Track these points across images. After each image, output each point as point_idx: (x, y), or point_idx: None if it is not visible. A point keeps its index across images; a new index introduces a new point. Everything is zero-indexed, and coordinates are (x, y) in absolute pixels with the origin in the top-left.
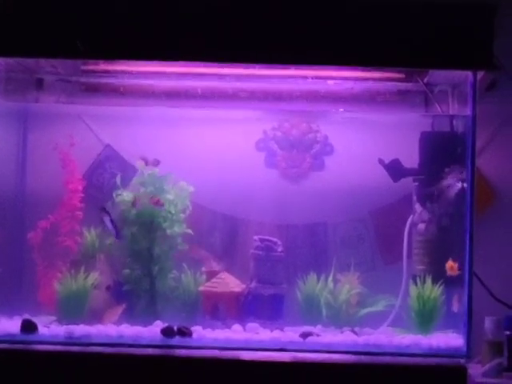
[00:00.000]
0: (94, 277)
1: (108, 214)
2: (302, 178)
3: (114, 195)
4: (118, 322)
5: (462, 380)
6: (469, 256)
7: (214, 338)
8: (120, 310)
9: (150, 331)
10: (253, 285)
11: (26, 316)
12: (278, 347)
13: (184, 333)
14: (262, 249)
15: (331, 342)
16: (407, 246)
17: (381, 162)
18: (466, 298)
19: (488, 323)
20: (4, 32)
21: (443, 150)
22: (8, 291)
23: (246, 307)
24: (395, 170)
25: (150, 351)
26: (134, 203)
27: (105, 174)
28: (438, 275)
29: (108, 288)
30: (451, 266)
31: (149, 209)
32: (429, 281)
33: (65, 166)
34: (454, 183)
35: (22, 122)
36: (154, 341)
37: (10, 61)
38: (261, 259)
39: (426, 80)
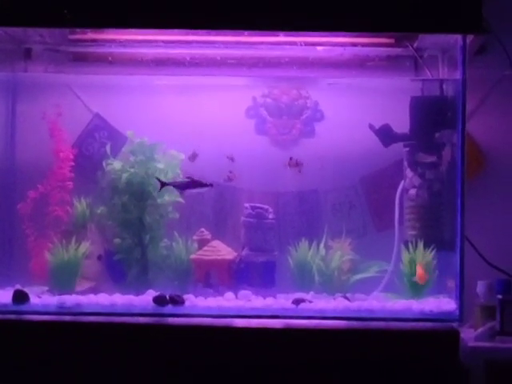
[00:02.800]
0: (85, 246)
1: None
2: (293, 144)
3: (104, 164)
4: (110, 292)
5: (455, 344)
6: (460, 221)
7: (206, 305)
8: (88, 285)
9: (142, 300)
10: (244, 252)
11: (18, 286)
12: (270, 314)
13: (176, 301)
14: (254, 216)
15: (324, 308)
16: (398, 212)
17: (371, 127)
18: (458, 263)
19: (480, 287)
20: None
21: (433, 115)
22: None
23: (238, 275)
24: (385, 135)
25: (142, 320)
26: None
27: (94, 143)
28: (430, 240)
29: (99, 257)
30: (421, 275)
31: (139, 178)
32: (420, 246)
33: (53, 136)
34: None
35: (10, 92)
36: (146, 309)
37: None
38: (252, 227)
39: (415, 45)
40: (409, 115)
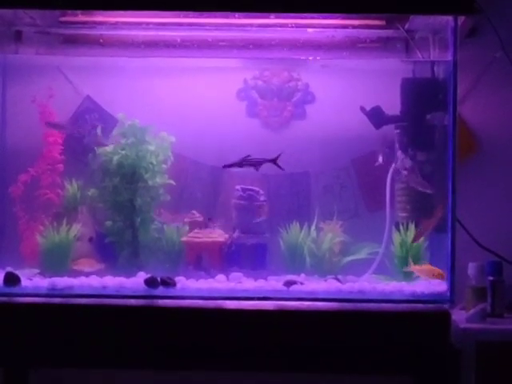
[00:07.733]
0: (76, 229)
1: None
2: (284, 126)
3: (95, 147)
4: (100, 274)
5: (446, 325)
6: (451, 203)
7: (197, 287)
8: (97, 266)
9: (134, 282)
10: (236, 234)
11: (9, 269)
12: (261, 296)
13: (167, 283)
14: (245, 198)
15: (315, 290)
16: (390, 194)
17: (362, 109)
18: (449, 245)
19: (471, 269)
20: None
21: (425, 97)
22: None
23: (229, 257)
24: (377, 117)
25: (133, 302)
26: None
27: (85, 125)
28: (421, 222)
29: (90, 240)
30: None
31: (130, 160)
32: (412, 227)
33: (43, 119)
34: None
35: (0, 75)
36: (137, 291)
37: None
38: (243, 209)
39: (406, 26)
40: (400, 97)
